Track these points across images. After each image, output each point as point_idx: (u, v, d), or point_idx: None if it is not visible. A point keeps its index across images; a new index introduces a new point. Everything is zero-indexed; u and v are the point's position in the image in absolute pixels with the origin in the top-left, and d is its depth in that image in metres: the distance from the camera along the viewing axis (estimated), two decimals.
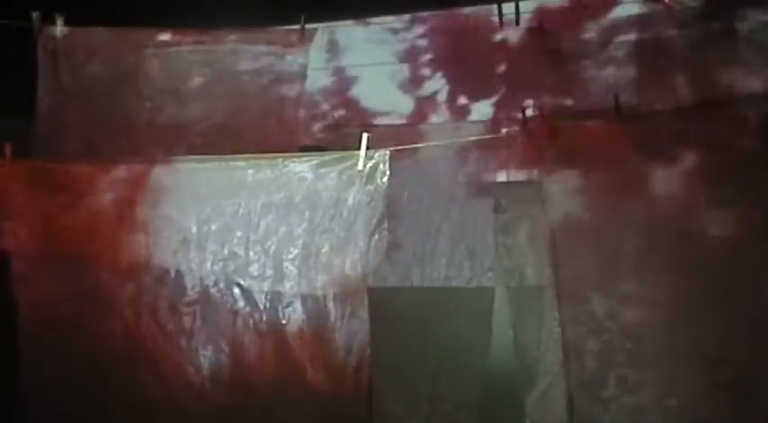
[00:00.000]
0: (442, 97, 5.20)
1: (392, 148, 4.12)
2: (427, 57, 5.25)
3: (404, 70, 5.22)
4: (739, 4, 4.52)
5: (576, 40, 4.95)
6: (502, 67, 5.11)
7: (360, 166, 4.06)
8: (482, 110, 5.09)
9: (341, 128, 5.14)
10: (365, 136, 4.07)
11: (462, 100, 5.17)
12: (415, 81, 5.24)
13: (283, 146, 4.68)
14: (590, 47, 4.93)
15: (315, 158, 4.18)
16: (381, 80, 5.20)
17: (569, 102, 4.83)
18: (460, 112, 5.16)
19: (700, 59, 4.56)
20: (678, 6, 4.72)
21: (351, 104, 5.28)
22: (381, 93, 5.22)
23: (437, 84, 5.22)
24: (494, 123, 5.01)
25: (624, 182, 4.16)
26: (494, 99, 5.14)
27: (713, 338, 4.02)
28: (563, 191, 4.19)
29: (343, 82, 5.29)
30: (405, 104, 5.21)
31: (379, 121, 5.09)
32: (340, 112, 5.24)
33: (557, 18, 5.01)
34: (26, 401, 4.15)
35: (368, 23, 5.29)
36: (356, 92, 5.28)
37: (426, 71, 5.25)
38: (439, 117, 5.14)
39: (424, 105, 5.20)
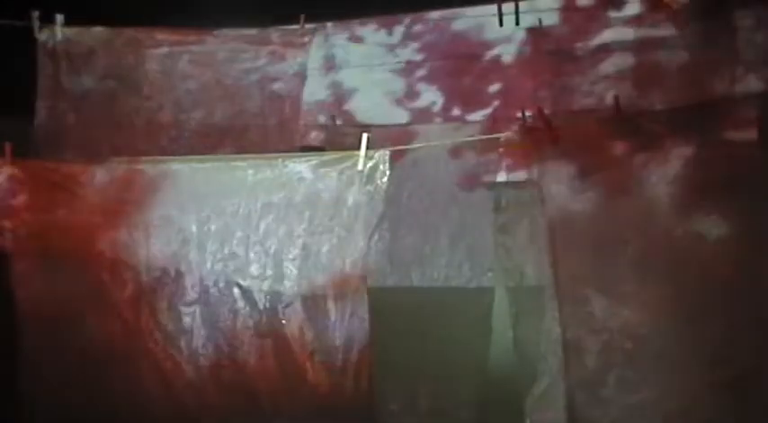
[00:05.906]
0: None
1: (392, 148, 4.12)
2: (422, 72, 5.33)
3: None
4: (739, 2, 4.52)
5: (574, 43, 4.97)
6: (496, 84, 5.18)
7: (360, 166, 4.06)
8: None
9: (341, 128, 5.16)
10: (365, 136, 4.07)
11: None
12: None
13: (283, 146, 4.69)
14: (588, 49, 4.94)
15: (315, 158, 4.18)
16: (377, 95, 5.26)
17: (567, 105, 4.84)
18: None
19: (699, 59, 4.56)
20: (676, 5, 4.73)
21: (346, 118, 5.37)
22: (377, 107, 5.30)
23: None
24: (492, 124, 5.02)
25: (624, 182, 4.16)
26: (488, 110, 5.20)
27: (713, 338, 4.02)
28: (562, 191, 4.18)
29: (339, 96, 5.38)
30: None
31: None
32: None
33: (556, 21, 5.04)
34: (26, 401, 4.15)
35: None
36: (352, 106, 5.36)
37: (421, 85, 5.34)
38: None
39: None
